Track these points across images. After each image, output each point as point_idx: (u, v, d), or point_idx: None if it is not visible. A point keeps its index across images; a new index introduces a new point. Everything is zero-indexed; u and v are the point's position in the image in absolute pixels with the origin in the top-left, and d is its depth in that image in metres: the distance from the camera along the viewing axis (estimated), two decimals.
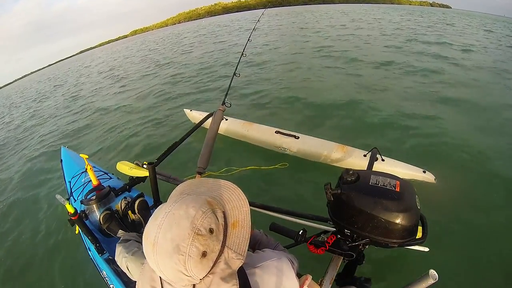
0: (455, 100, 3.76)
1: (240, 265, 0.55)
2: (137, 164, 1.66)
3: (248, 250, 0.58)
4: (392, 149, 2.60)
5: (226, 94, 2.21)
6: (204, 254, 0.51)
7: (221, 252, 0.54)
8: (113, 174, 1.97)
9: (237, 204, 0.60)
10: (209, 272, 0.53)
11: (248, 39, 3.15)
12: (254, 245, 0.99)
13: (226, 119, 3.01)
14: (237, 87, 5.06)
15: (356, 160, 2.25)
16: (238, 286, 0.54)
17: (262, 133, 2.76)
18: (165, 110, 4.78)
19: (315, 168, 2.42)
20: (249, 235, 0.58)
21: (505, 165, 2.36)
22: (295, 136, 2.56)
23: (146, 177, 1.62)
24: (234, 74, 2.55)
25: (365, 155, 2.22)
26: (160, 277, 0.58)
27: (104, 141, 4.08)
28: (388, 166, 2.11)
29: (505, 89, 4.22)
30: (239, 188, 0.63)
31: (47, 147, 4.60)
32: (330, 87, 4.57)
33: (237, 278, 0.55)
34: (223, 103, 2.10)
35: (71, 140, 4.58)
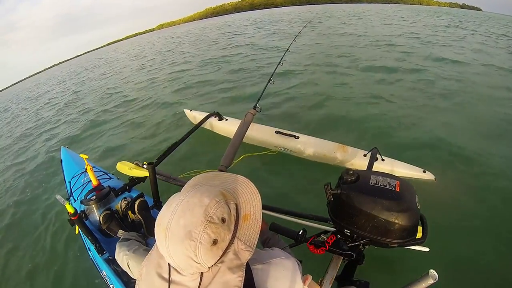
0: (455, 100, 3.75)
1: (249, 257, 0.56)
2: (137, 164, 1.67)
3: (256, 248, 0.58)
4: (392, 149, 2.59)
5: (259, 99, 2.19)
6: (215, 242, 0.52)
7: (231, 242, 0.55)
8: (113, 174, 1.97)
9: (250, 198, 0.61)
10: (218, 261, 0.54)
11: (287, 49, 3.32)
12: (264, 241, 0.99)
13: (226, 119, 3.01)
14: (238, 87, 5.06)
15: (356, 160, 2.24)
16: (243, 279, 0.54)
17: (262, 133, 2.76)
18: (165, 110, 4.78)
19: (315, 168, 2.42)
20: (259, 229, 0.59)
21: (505, 164, 2.36)
22: (295, 136, 2.56)
23: (146, 177, 1.63)
24: (269, 81, 2.52)
25: (365, 155, 2.22)
26: (168, 264, 0.58)
27: (104, 141, 4.08)
28: (388, 166, 2.11)
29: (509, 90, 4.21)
30: (252, 183, 0.65)
31: (47, 147, 4.60)
32: (330, 88, 4.57)
33: (244, 271, 0.55)
34: (255, 107, 2.08)
35: (71, 140, 4.57)
